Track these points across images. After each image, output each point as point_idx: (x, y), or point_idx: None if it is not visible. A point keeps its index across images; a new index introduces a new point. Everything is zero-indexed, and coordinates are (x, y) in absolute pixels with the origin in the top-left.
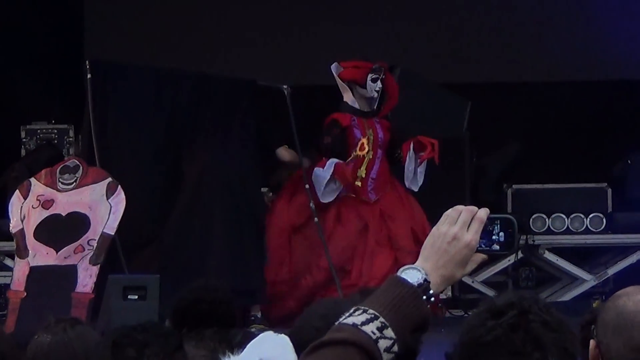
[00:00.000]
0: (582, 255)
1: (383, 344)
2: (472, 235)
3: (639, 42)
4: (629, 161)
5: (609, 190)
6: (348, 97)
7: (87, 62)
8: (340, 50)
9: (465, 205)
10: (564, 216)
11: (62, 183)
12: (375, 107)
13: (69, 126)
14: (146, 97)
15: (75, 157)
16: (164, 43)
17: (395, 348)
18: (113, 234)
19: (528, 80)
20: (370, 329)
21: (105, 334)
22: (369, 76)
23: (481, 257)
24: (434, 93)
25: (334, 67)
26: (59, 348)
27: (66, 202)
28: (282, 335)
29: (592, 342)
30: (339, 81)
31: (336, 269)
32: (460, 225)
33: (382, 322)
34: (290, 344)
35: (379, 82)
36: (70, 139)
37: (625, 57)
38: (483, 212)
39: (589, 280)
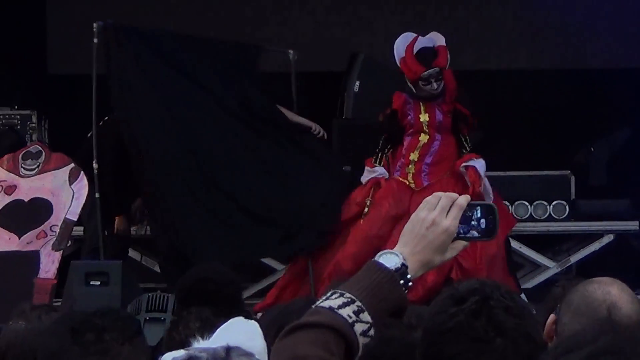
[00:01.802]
0: (545, 243)
1: (359, 327)
2: (450, 221)
3: (601, 31)
4: (591, 149)
5: (572, 178)
6: (409, 81)
7: (94, 24)
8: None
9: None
10: (527, 204)
11: (25, 169)
12: (438, 91)
13: (32, 112)
14: (163, 60)
15: (38, 143)
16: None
17: (372, 332)
18: (75, 219)
19: (491, 68)
20: (346, 312)
21: (63, 319)
22: (420, 82)
23: (462, 244)
24: (396, 80)
25: (400, 46)
26: (34, 335)
27: (29, 187)
28: (252, 321)
29: (551, 317)
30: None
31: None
32: (439, 211)
33: (358, 306)
34: (260, 330)
35: (433, 84)
36: (33, 125)
37: (588, 45)
38: (463, 199)
39: (551, 267)
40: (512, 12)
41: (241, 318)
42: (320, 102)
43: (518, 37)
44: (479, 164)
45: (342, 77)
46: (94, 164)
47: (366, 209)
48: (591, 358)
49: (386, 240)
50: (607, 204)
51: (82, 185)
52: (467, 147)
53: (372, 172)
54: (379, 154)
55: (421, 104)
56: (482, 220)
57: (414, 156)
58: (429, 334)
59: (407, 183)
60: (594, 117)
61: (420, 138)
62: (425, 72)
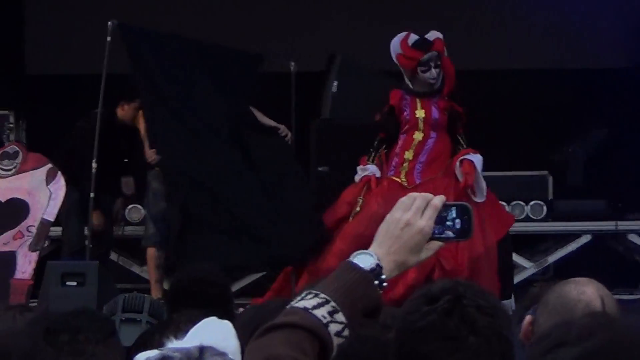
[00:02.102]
0: (523, 243)
1: (334, 328)
2: (425, 222)
3: (578, 31)
4: (569, 149)
5: (550, 178)
6: (406, 76)
7: (109, 23)
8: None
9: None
10: (505, 204)
11: (2, 169)
12: (437, 85)
13: (10, 112)
14: (168, 61)
15: (15, 143)
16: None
17: (346, 332)
18: (52, 220)
19: (470, 68)
20: (321, 313)
21: (38, 319)
22: (419, 69)
23: (437, 244)
24: (374, 80)
25: (395, 44)
26: (8, 335)
27: (5, 188)
28: (225, 321)
29: (528, 317)
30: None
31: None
32: (413, 212)
33: (333, 307)
34: (233, 330)
35: (432, 71)
36: (11, 125)
37: (565, 46)
38: (438, 200)
39: (529, 267)
40: (490, 13)
41: (214, 318)
42: (298, 102)
43: (495, 37)
44: (476, 158)
45: (320, 78)
46: (93, 163)
47: (358, 208)
48: (589, 355)
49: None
50: (585, 204)
51: (60, 185)
52: (464, 145)
53: (364, 170)
54: (373, 153)
55: (417, 99)
56: (457, 221)
57: (408, 155)
58: (402, 333)
59: (400, 181)
60: (571, 118)
61: (414, 136)
62: (425, 56)
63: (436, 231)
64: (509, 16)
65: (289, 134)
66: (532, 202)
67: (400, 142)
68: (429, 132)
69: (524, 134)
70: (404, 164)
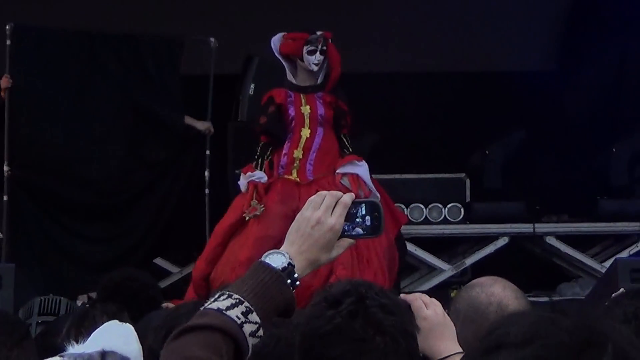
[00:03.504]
0: (440, 245)
1: (248, 328)
2: (335, 219)
3: (497, 34)
4: (486, 152)
5: (467, 181)
6: (288, 71)
7: (7, 26)
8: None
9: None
10: (422, 206)
11: None
12: (319, 81)
13: None
14: (72, 60)
15: None
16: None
17: (261, 332)
18: None
19: (386, 70)
20: (235, 313)
21: None
22: (305, 48)
23: (348, 242)
24: None
25: (275, 39)
26: None
27: None
28: (127, 324)
29: None
30: (278, 55)
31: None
32: (323, 210)
33: (246, 307)
34: (135, 333)
35: (317, 55)
36: None
37: (482, 48)
38: (347, 197)
39: (446, 270)
40: (413, 15)
41: (116, 321)
42: (215, 104)
43: (412, 39)
44: (361, 169)
45: (237, 80)
46: (4, 167)
47: (258, 213)
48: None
49: (280, 239)
50: (502, 206)
51: None
52: (349, 148)
53: (249, 177)
54: (259, 159)
55: (302, 95)
56: (368, 218)
57: (298, 153)
58: (308, 338)
59: (293, 179)
60: (488, 120)
61: (302, 133)
62: (312, 36)
63: (346, 228)
64: (430, 19)
65: (211, 131)
66: (449, 205)
67: (288, 141)
68: (315, 127)
69: (441, 136)
70: (295, 163)
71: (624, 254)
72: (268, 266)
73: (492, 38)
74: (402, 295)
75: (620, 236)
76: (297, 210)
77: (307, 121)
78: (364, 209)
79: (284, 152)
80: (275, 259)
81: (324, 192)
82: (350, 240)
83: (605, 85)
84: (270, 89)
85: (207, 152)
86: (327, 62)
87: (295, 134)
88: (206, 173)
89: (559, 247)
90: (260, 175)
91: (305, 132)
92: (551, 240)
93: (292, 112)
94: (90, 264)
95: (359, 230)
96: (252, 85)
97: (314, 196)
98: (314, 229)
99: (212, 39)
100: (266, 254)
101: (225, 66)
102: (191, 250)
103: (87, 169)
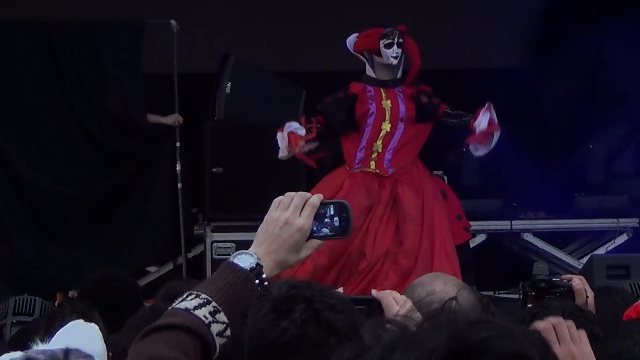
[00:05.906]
0: None
1: (215, 328)
2: (304, 220)
3: (469, 31)
4: (463, 149)
5: (445, 178)
6: (367, 68)
7: None
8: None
9: (300, 190)
10: None
11: None
12: (399, 75)
13: None
14: (34, 52)
15: None
16: None
17: (228, 332)
18: None
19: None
20: (202, 313)
21: None
22: (381, 42)
23: (317, 242)
24: (268, 81)
25: (350, 39)
26: None
27: None
28: (92, 324)
29: None
30: (356, 54)
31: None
32: (292, 210)
33: (214, 307)
34: (100, 333)
35: (395, 47)
36: None
37: (458, 45)
38: (315, 198)
39: None
40: (380, 14)
41: (81, 321)
42: (192, 103)
43: None
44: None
45: (214, 79)
46: None
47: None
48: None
49: (359, 231)
50: (479, 203)
51: None
52: (460, 111)
53: (288, 127)
54: (310, 125)
55: (382, 89)
56: (336, 219)
57: (377, 146)
58: (263, 350)
59: (371, 170)
60: None
61: (382, 126)
62: (387, 30)
63: (315, 229)
64: (405, 16)
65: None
66: None
67: (366, 134)
68: (396, 123)
69: None
70: (373, 155)
71: (602, 251)
72: (236, 266)
73: (467, 35)
74: (373, 292)
75: (597, 233)
76: (378, 203)
77: (387, 115)
78: (332, 209)
79: (361, 145)
80: (244, 260)
81: (292, 193)
82: (319, 242)
83: (581, 81)
84: (247, 87)
85: (177, 144)
86: (404, 57)
87: (376, 127)
88: (177, 166)
89: (536, 244)
90: (297, 126)
91: (386, 126)
92: (528, 237)
93: (373, 107)
94: (68, 263)
95: (327, 231)
96: (229, 84)
97: (281, 197)
98: (282, 229)
99: (172, 21)
100: (235, 254)
101: (202, 65)
102: (167, 248)
103: (49, 169)
